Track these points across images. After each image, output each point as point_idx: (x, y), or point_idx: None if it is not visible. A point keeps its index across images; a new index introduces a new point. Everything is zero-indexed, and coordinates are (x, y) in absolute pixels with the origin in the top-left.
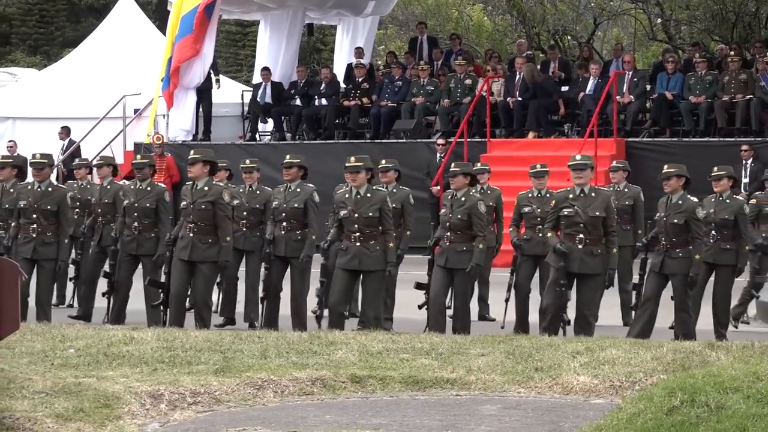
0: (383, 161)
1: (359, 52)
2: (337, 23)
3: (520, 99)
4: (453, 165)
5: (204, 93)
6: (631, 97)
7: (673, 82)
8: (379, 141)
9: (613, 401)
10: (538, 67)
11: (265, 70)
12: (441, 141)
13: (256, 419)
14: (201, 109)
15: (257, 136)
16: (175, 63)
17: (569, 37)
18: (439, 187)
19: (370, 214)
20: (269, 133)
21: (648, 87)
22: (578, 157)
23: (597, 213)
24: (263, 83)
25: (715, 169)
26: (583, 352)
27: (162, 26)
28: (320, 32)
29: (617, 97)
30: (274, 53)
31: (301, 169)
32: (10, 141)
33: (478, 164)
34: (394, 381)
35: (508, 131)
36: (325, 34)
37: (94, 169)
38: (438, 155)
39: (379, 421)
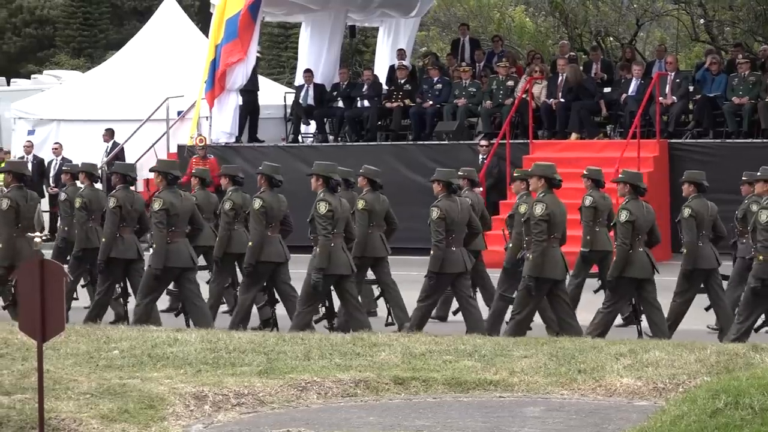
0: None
1: (401, 53)
2: (379, 25)
3: (562, 100)
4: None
5: (249, 95)
6: (674, 98)
7: (716, 83)
8: (421, 143)
9: (656, 403)
10: (581, 68)
11: (308, 72)
12: (483, 142)
13: (299, 420)
14: (247, 112)
15: (300, 138)
16: (222, 66)
17: (612, 39)
18: (481, 189)
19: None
20: (312, 135)
21: (691, 88)
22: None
23: None
24: (306, 85)
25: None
26: (626, 354)
27: (205, 28)
28: (362, 34)
29: (660, 98)
30: (316, 55)
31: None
32: (55, 143)
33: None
34: (437, 383)
35: (550, 133)
36: (367, 36)
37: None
38: (480, 157)
39: (422, 423)
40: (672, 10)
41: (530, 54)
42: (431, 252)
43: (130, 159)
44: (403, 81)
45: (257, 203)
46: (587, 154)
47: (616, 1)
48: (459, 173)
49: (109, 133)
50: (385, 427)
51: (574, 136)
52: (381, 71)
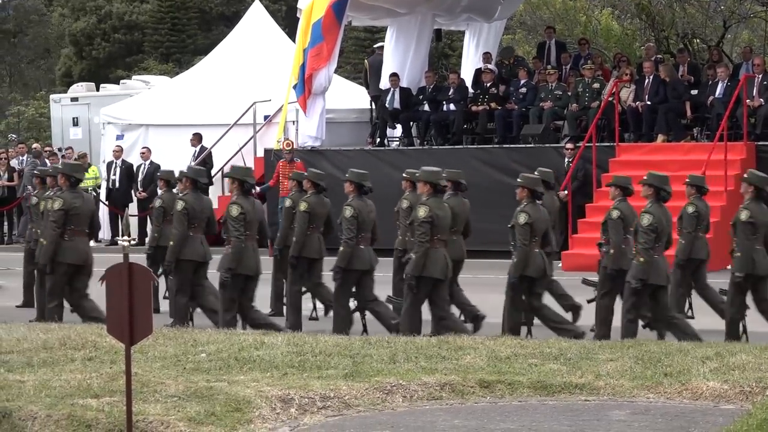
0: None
1: (487, 57)
2: (465, 28)
3: (649, 103)
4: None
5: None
6: (762, 100)
7: None
8: (507, 146)
9: (743, 407)
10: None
11: (394, 76)
12: (569, 145)
13: (385, 424)
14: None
15: (386, 141)
16: (309, 70)
17: (698, 41)
18: (567, 192)
19: None
20: (398, 139)
21: None
22: None
23: None
24: (392, 89)
25: None
26: (712, 357)
27: (292, 33)
28: (448, 37)
29: (747, 100)
30: (402, 59)
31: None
32: (143, 148)
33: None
34: (523, 386)
35: (636, 135)
36: (453, 40)
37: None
38: (566, 160)
39: (507, 426)
40: (760, 11)
41: (616, 57)
42: (340, 248)
43: (217, 163)
44: (489, 84)
45: (180, 205)
46: (673, 156)
47: (703, 3)
48: (443, 175)
49: (197, 138)
50: (470, 431)
51: (660, 138)
52: (467, 74)
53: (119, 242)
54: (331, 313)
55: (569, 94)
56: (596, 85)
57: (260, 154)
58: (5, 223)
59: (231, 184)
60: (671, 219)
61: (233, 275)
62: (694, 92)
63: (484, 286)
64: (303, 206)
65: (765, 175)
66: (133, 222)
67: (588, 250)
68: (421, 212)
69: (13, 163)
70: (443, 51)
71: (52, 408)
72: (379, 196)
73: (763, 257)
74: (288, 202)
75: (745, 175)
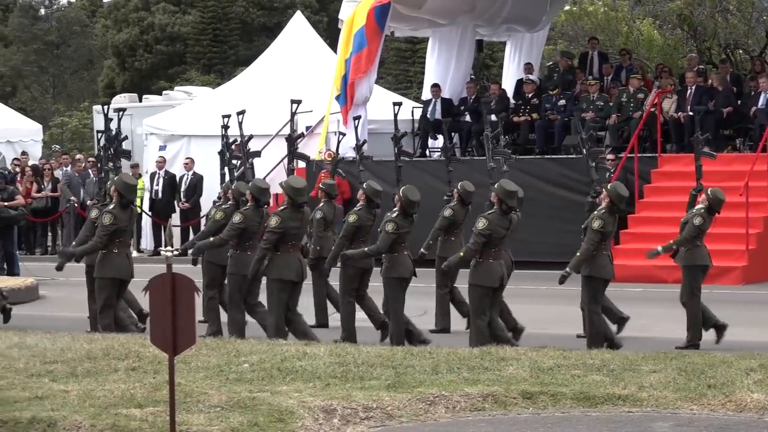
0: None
1: (528, 67)
2: (506, 39)
3: (691, 114)
4: None
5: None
6: None
7: None
8: (548, 156)
9: None
10: (709, 82)
11: (435, 87)
12: (611, 156)
13: None
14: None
15: (427, 152)
16: (351, 78)
17: (741, 51)
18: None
19: None
20: (439, 150)
21: None
22: None
23: None
24: (433, 99)
25: None
26: (756, 369)
27: (333, 44)
28: (489, 48)
29: None
30: (443, 69)
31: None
32: (186, 158)
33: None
34: (566, 397)
35: (678, 146)
36: (494, 50)
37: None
38: (608, 171)
39: None
40: None
41: (658, 67)
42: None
43: (259, 174)
44: (530, 95)
45: (107, 218)
46: (716, 167)
47: (746, 13)
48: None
49: (239, 148)
50: None
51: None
52: (508, 85)
53: (162, 253)
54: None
55: (611, 104)
56: (641, 95)
57: (302, 164)
58: (49, 234)
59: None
60: None
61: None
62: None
63: (529, 297)
64: (352, 219)
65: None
66: (176, 232)
67: (631, 261)
68: (480, 224)
69: (57, 173)
70: (484, 62)
71: (96, 418)
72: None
73: None
74: (319, 214)
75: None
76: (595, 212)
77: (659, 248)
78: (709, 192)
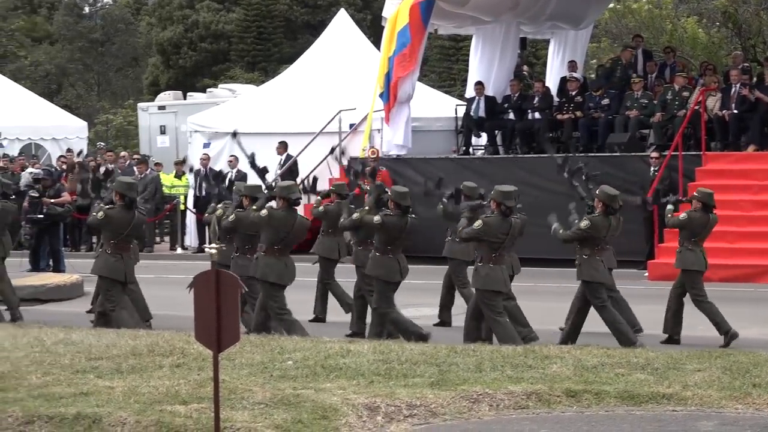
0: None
1: (572, 65)
2: (550, 37)
3: (735, 111)
4: None
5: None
6: None
7: None
8: (592, 154)
9: None
10: (754, 80)
11: (479, 85)
12: (655, 154)
13: None
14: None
15: (470, 150)
16: (395, 78)
17: None
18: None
19: None
20: (482, 147)
21: None
22: None
23: None
24: (477, 97)
25: None
26: None
27: (377, 42)
28: (533, 46)
29: None
30: (487, 67)
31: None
32: (231, 156)
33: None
34: (610, 396)
35: (723, 144)
36: (538, 48)
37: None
38: (652, 169)
39: None
40: None
41: (703, 65)
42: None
43: (303, 171)
44: (574, 93)
45: (99, 214)
46: (761, 166)
47: None
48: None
49: (283, 146)
50: None
51: (751, 147)
52: (552, 83)
53: (206, 250)
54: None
55: (655, 102)
56: (686, 93)
57: (345, 162)
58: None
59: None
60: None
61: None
62: None
63: (561, 294)
64: (376, 219)
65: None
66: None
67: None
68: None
69: (102, 171)
70: (528, 59)
71: (140, 414)
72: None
73: None
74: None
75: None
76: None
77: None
78: (697, 193)
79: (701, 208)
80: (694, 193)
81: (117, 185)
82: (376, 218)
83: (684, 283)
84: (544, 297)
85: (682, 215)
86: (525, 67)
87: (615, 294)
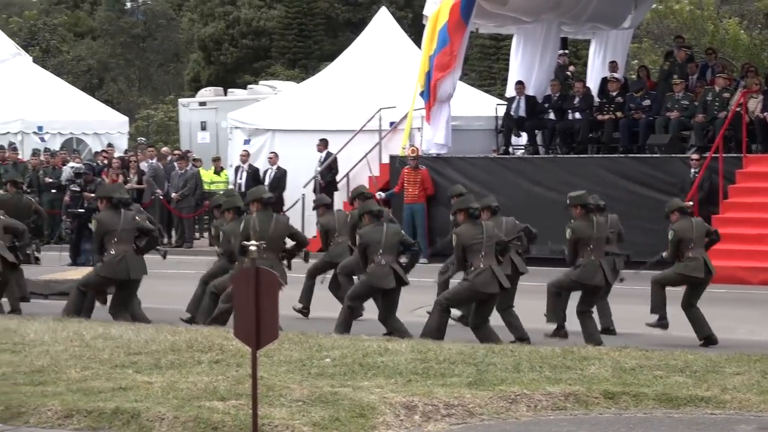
0: None
1: (613, 65)
2: (590, 37)
3: None
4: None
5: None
6: None
7: None
8: (632, 155)
9: None
10: None
11: (519, 84)
12: (695, 156)
13: None
14: None
15: (510, 149)
16: (435, 77)
17: None
18: (692, 203)
19: None
20: (523, 147)
21: None
22: None
23: None
24: (517, 97)
25: None
26: None
27: (418, 40)
28: (573, 46)
29: None
30: (528, 67)
31: None
32: (271, 152)
33: None
34: (648, 398)
35: (764, 146)
36: (579, 48)
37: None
38: (692, 170)
39: None
40: None
41: (744, 67)
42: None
43: (342, 169)
44: (614, 93)
45: (93, 224)
46: None
47: None
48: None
49: (323, 143)
50: None
51: None
52: (593, 83)
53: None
54: None
55: (696, 104)
56: (726, 95)
57: (385, 160)
58: None
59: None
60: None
61: None
62: None
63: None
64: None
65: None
66: None
67: (715, 262)
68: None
69: (143, 166)
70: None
71: (179, 410)
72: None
73: None
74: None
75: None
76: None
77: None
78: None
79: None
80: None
81: (100, 192)
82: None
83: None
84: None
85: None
86: (571, 67)
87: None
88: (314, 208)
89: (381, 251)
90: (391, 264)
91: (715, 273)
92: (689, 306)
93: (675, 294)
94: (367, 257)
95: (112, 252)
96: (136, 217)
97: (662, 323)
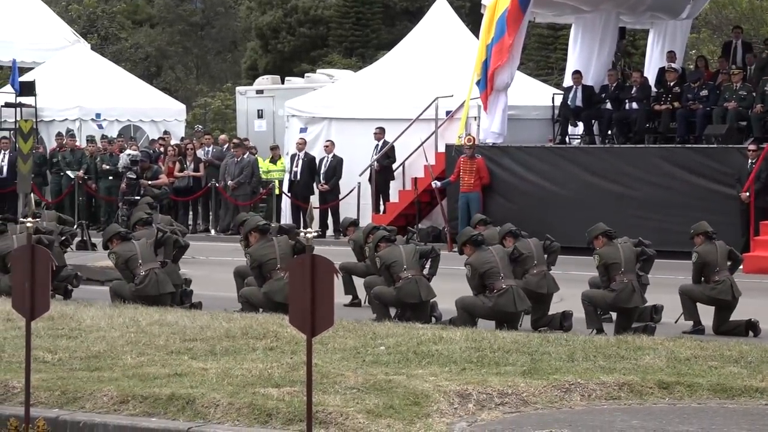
0: None
1: (671, 56)
2: (649, 27)
3: None
4: None
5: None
6: None
7: None
8: (689, 146)
9: None
10: None
11: (577, 74)
12: (752, 147)
13: (562, 422)
14: None
15: (567, 139)
16: (492, 66)
17: None
18: (748, 194)
19: None
20: (579, 137)
21: None
22: None
23: None
24: (574, 86)
25: None
26: None
27: (475, 29)
28: (631, 36)
29: None
30: (586, 57)
31: None
32: (327, 141)
33: None
34: (702, 388)
35: None
36: (636, 38)
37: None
38: (749, 161)
39: (686, 429)
40: None
41: None
42: None
43: (399, 157)
44: (672, 84)
45: None
46: None
47: None
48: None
49: (381, 132)
50: (649, 431)
51: None
52: (650, 74)
53: (302, 234)
54: None
55: (754, 94)
56: None
57: (441, 149)
58: (191, 213)
59: None
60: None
61: None
62: None
63: (667, 286)
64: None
65: None
66: (315, 214)
67: None
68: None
69: (200, 153)
70: (626, 49)
71: (233, 396)
72: (559, 193)
73: None
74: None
75: None
76: None
77: None
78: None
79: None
80: None
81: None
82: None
83: None
84: None
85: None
86: (617, 54)
87: None
88: (343, 232)
89: (405, 267)
90: (417, 279)
91: (740, 295)
92: (719, 329)
93: None
94: (392, 276)
95: (142, 273)
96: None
97: (698, 329)
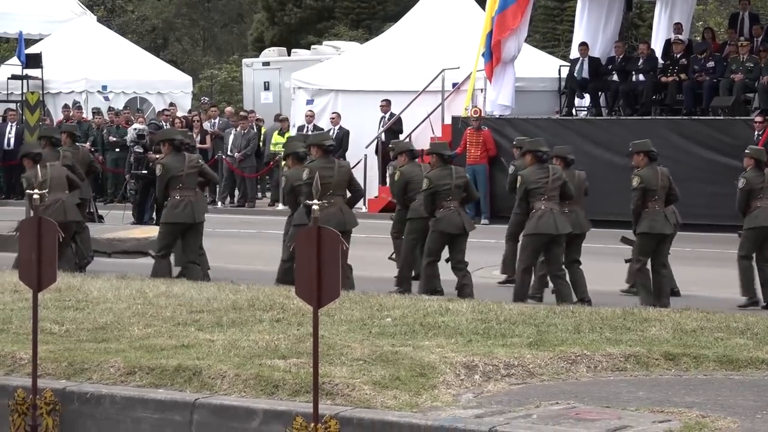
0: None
1: (678, 27)
2: None
3: None
4: None
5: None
6: None
7: None
8: (696, 117)
9: None
10: None
11: (583, 46)
12: (759, 118)
13: (569, 393)
14: None
15: (573, 111)
16: (496, 37)
17: None
18: None
19: None
20: (585, 108)
21: None
22: None
23: None
24: (581, 58)
25: None
26: None
27: (481, 1)
28: (638, 8)
29: None
30: (593, 29)
31: None
32: (333, 113)
33: None
34: (708, 360)
35: None
36: (643, 10)
37: None
38: (756, 133)
39: (692, 400)
40: None
41: None
42: None
43: (405, 130)
44: (678, 55)
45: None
46: None
47: None
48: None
49: (387, 104)
50: (655, 403)
51: None
52: (657, 45)
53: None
54: None
55: (761, 66)
56: None
57: (448, 121)
58: None
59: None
60: None
61: None
62: None
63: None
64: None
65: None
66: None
67: None
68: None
69: (206, 125)
70: (633, 21)
71: (240, 367)
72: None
73: None
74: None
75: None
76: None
77: None
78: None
79: (754, 166)
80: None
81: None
82: (424, 182)
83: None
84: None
85: (741, 182)
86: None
87: None
88: (393, 157)
89: (450, 197)
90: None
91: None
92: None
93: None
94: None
95: (177, 197)
96: (199, 161)
97: (753, 301)
